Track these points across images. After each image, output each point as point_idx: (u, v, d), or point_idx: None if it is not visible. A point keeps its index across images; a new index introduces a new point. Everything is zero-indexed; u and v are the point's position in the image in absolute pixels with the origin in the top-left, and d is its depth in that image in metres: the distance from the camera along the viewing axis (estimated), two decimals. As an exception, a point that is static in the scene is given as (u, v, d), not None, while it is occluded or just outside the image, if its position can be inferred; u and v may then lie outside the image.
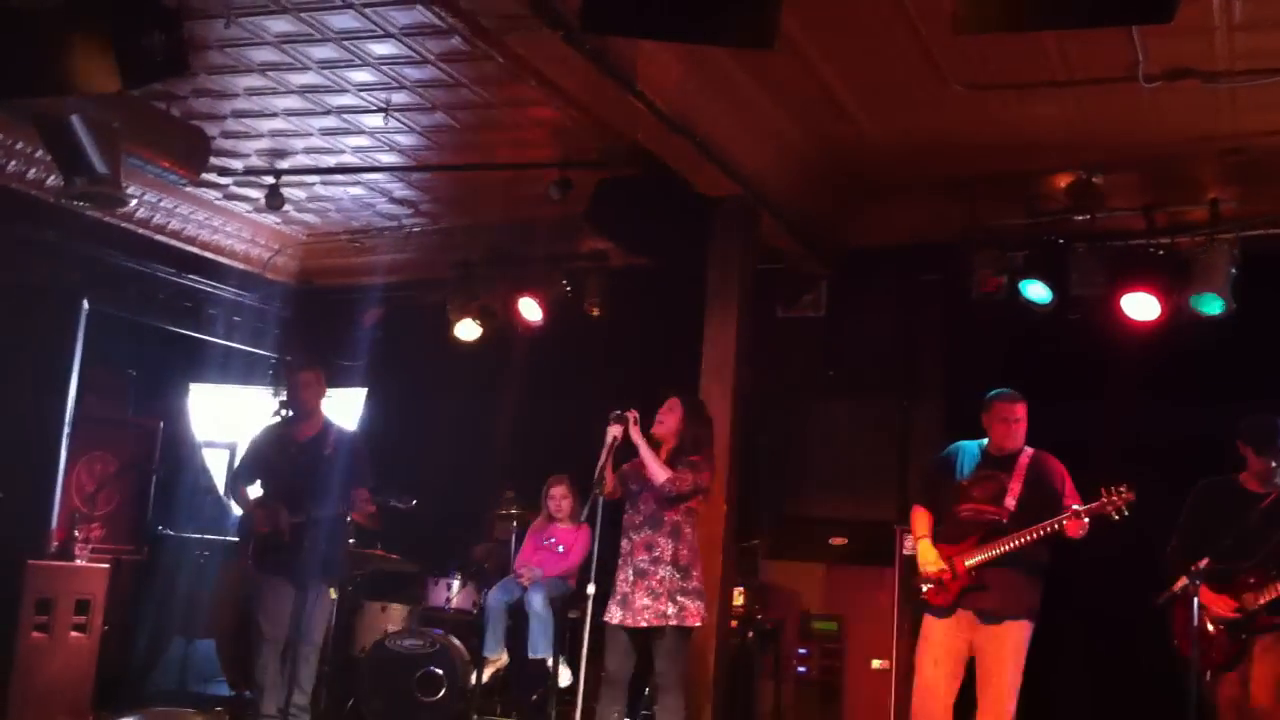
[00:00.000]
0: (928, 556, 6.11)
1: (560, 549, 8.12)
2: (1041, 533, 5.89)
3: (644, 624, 5.88)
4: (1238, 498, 5.92)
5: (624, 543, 6.11)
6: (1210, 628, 5.83)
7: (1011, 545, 5.95)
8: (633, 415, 6.04)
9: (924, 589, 6.17)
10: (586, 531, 8.05)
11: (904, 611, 7.49)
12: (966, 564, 6.00)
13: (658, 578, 5.90)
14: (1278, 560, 5.74)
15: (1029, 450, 6.18)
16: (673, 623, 5.86)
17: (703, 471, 6.05)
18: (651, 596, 5.88)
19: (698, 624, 5.97)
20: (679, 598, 5.89)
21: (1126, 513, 5.77)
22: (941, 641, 6.10)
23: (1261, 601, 5.73)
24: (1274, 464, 5.85)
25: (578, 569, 8.02)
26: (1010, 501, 6.03)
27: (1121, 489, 5.79)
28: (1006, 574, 5.99)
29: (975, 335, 8.04)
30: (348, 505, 7.00)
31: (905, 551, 7.45)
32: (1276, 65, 6.06)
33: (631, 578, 5.96)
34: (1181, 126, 6.87)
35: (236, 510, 7.56)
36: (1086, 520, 5.83)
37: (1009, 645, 5.96)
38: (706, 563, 6.67)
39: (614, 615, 5.98)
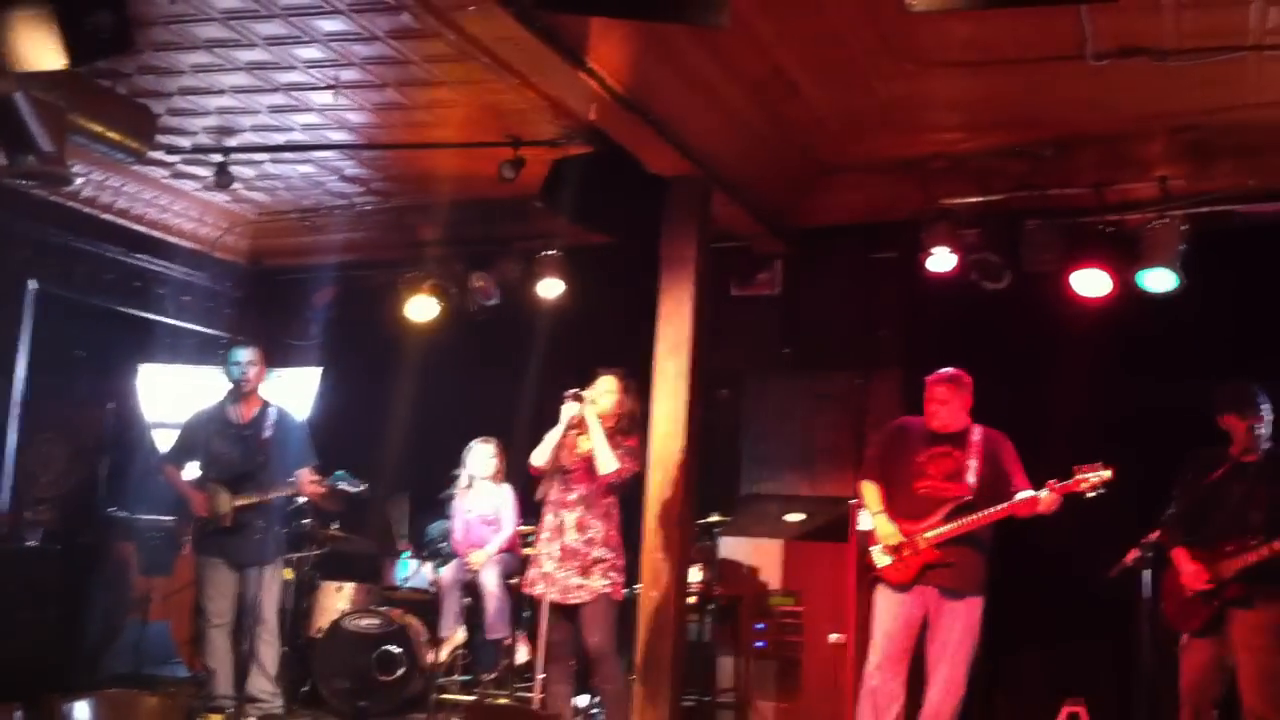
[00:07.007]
0: (887, 531, 6.14)
1: (488, 518, 8.14)
2: (1014, 509, 5.96)
3: (577, 601, 6.05)
4: (1225, 467, 5.96)
5: (551, 518, 6.16)
6: (1188, 594, 5.90)
7: (980, 521, 6.01)
8: (589, 395, 6.08)
9: (880, 564, 6.20)
10: (508, 492, 8.12)
11: (860, 586, 7.52)
12: (930, 541, 6.04)
13: (590, 558, 6.07)
14: (1255, 528, 5.79)
15: (979, 428, 6.22)
16: (603, 594, 6.06)
17: (638, 457, 6.28)
18: (583, 574, 6.05)
19: (621, 597, 6.19)
20: (611, 574, 6.13)
21: (1102, 490, 5.84)
22: (897, 616, 6.14)
23: (1234, 569, 5.77)
24: (1258, 427, 5.91)
25: (518, 536, 8.05)
26: (971, 479, 6.08)
27: (1099, 467, 5.86)
28: (965, 550, 6.05)
29: (931, 312, 8.07)
30: (293, 486, 6.96)
31: (860, 527, 7.52)
32: (1225, 43, 6.08)
33: (559, 554, 6.03)
34: (1131, 104, 6.91)
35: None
36: (1060, 497, 5.90)
37: (968, 621, 6.03)
38: (665, 539, 6.79)
39: (539, 587, 6.09)
